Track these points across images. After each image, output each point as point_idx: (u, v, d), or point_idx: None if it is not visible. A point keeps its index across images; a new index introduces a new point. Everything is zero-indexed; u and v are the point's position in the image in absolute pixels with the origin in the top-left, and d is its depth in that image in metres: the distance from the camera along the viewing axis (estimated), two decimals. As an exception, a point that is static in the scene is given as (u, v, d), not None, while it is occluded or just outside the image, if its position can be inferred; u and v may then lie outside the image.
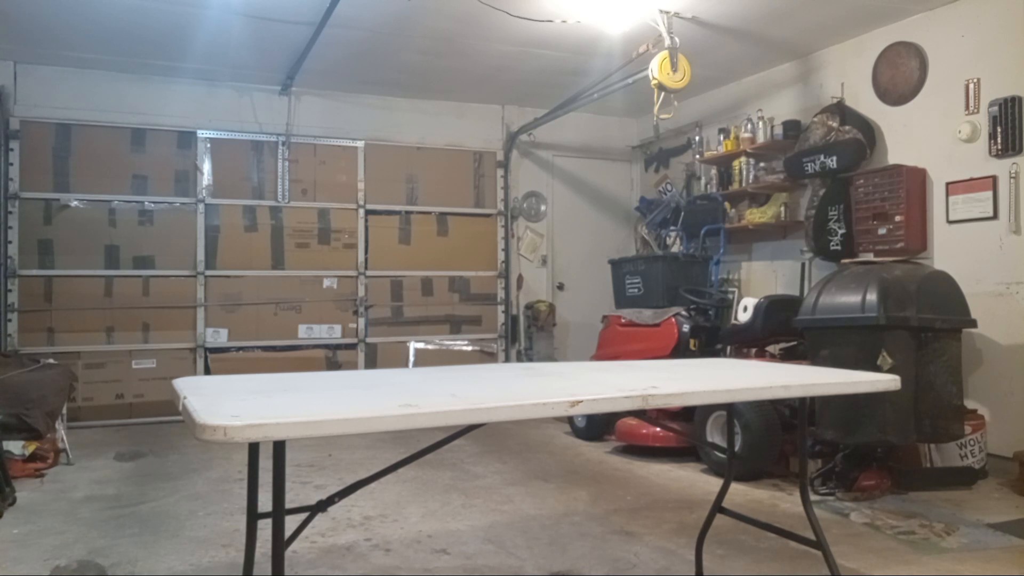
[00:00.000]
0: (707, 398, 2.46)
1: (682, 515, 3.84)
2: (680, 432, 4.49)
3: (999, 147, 4.77)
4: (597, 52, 6.03)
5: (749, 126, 6.50)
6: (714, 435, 4.79)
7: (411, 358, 7.51)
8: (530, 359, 7.75)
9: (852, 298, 4.07)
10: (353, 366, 7.28)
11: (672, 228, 7.39)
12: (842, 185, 5.64)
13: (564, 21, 5.36)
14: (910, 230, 5.17)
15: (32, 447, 4.63)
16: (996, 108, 4.77)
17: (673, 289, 6.00)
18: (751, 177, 6.55)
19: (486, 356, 7.81)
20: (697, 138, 7.33)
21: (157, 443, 5.70)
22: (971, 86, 4.97)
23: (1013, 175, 4.71)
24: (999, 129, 4.76)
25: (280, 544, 1.74)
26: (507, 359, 7.88)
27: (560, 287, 8.21)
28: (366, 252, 7.44)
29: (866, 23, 5.54)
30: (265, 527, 1.86)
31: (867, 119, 5.63)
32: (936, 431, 4.00)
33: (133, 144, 6.74)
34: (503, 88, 7.31)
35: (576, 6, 5.14)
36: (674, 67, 5.13)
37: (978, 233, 4.92)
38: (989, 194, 4.84)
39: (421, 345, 7.57)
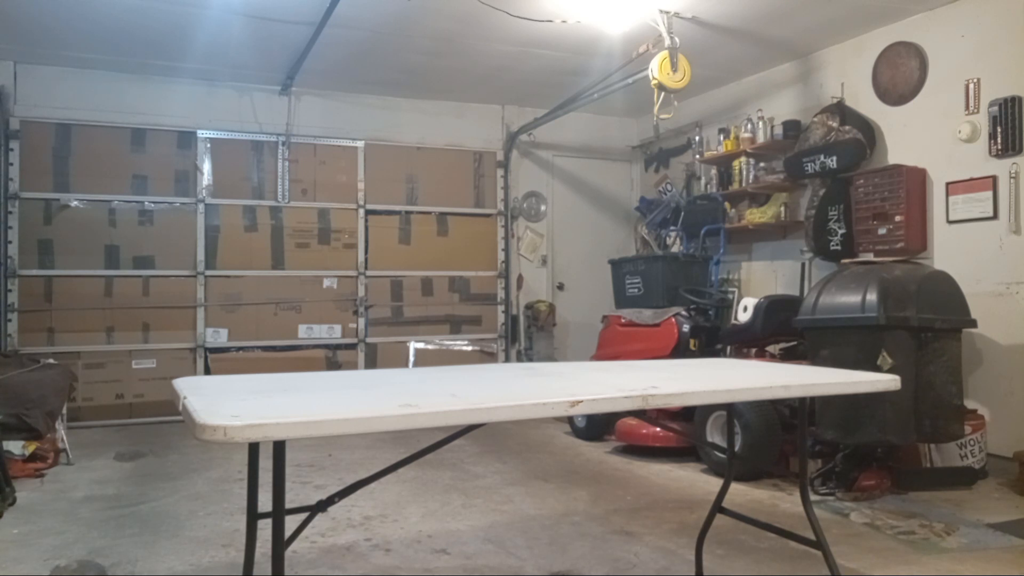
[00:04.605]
0: (707, 398, 2.46)
1: (682, 515, 3.84)
2: (680, 432, 4.49)
3: (999, 147, 4.77)
4: (597, 52, 6.03)
5: (749, 126, 6.50)
6: (714, 435, 4.78)
7: (411, 358, 7.51)
8: (530, 359, 7.75)
9: (852, 298, 4.07)
10: (353, 366, 7.28)
11: (672, 228, 7.39)
12: (842, 185, 5.64)
13: (564, 21, 5.36)
14: (910, 230, 5.17)
15: (32, 447, 4.63)
16: (996, 108, 4.77)
17: (673, 289, 6.00)
18: (751, 177, 6.55)
19: (486, 356, 7.81)
20: (697, 138, 7.33)
21: (157, 443, 5.70)
22: (971, 86, 4.97)
23: (1013, 175, 4.71)
24: (999, 129, 4.76)
25: (280, 544, 1.74)
26: (507, 359, 7.88)
27: (560, 287, 8.21)
28: (366, 252, 7.44)
29: (866, 23, 5.54)
30: (265, 527, 1.86)
31: (867, 119, 5.63)
32: (936, 431, 4.00)
33: (133, 144, 6.74)
34: (503, 88, 7.31)
35: (576, 6, 5.14)
36: (674, 67, 5.13)
37: (978, 233, 4.92)
38: (989, 194, 4.84)
39: (421, 345, 7.56)
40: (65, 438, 5.12)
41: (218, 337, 6.92)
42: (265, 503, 1.87)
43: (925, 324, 3.95)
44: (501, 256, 7.95)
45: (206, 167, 6.95)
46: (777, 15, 5.38)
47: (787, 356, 5.06)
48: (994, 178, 4.83)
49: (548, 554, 3.29)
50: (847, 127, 5.59)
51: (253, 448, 2.01)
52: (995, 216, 4.82)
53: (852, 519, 3.75)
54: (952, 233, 5.09)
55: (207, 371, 6.82)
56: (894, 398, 3.78)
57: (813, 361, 4.27)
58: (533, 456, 5.29)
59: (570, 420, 6.03)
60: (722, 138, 6.87)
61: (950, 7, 5.12)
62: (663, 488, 4.41)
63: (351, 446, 5.43)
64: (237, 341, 6.98)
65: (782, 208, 6.37)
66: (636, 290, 6.30)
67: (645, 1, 5.05)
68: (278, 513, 1.72)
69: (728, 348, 5.43)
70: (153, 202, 6.80)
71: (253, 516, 2.05)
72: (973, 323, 4.24)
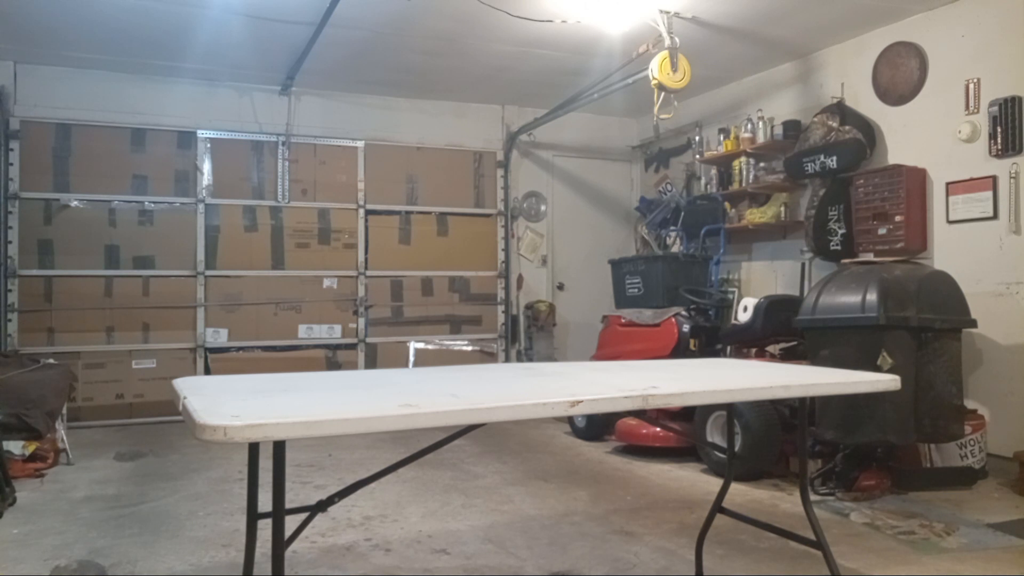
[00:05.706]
0: (707, 398, 2.46)
1: (682, 515, 3.84)
2: (680, 432, 4.49)
3: (999, 147, 4.77)
4: (597, 52, 6.03)
5: (749, 126, 6.50)
6: (714, 435, 4.78)
7: (411, 358, 7.51)
8: (530, 359, 7.75)
9: (852, 298, 4.07)
10: (353, 366, 7.28)
11: (672, 228, 7.39)
12: (842, 185, 5.64)
13: (564, 21, 5.36)
14: (910, 230, 5.17)
15: (32, 447, 4.63)
16: (996, 108, 4.77)
17: (673, 289, 6.00)
18: (751, 177, 6.55)
19: (486, 356, 7.81)
20: (697, 138, 7.33)
21: (157, 443, 5.70)
22: (971, 86, 4.97)
23: (1013, 175, 4.71)
24: (999, 129, 4.76)
25: (280, 544, 1.74)
26: (507, 359, 7.88)
27: (560, 287, 8.21)
28: (366, 252, 7.44)
29: (866, 23, 5.54)
30: (265, 527, 1.86)
31: (867, 119, 5.63)
32: (936, 431, 4.00)
33: (133, 144, 6.74)
34: (503, 88, 7.31)
35: (576, 6, 5.14)
36: (674, 67, 5.13)
37: (978, 233, 4.92)
38: (989, 194, 4.84)
39: (421, 345, 7.56)
40: (65, 438, 5.12)
41: (218, 337, 6.92)
42: (265, 503, 1.87)
43: (925, 324, 3.95)
44: (501, 256, 7.95)
45: (206, 167, 6.95)
46: (777, 15, 5.38)
47: (787, 356, 5.06)
48: (994, 178, 4.83)
49: (548, 554, 3.29)
50: (847, 127, 5.59)
51: (253, 448, 2.01)
52: (995, 216, 4.82)
53: (852, 519, 3.75)
54: (952, 233, 5.09)
55: (207, 371, 6.82)
56: (894, 398, 3.78)
57: (813, 361, 4.27)
58: (533, 456, 5.29)
59: (570, 420, 6.03)
60: (722, 138, 6.86)
61: (950, 7, 5.12)
62: (663, 488, 4.41)
63: (351, 446, 5.43)
64: (237, 341, 6.98)
65: (782, 208, 6.37)
66: (636, 290, 6.30)
67: (645, 1, 5.05)
68: (278, 513, 1.72)
69: (728, 348, 5.42)
70: (153, 202, 6.80)
71: (253, 516, 2.05)
72: (973, 323, 4.24)
